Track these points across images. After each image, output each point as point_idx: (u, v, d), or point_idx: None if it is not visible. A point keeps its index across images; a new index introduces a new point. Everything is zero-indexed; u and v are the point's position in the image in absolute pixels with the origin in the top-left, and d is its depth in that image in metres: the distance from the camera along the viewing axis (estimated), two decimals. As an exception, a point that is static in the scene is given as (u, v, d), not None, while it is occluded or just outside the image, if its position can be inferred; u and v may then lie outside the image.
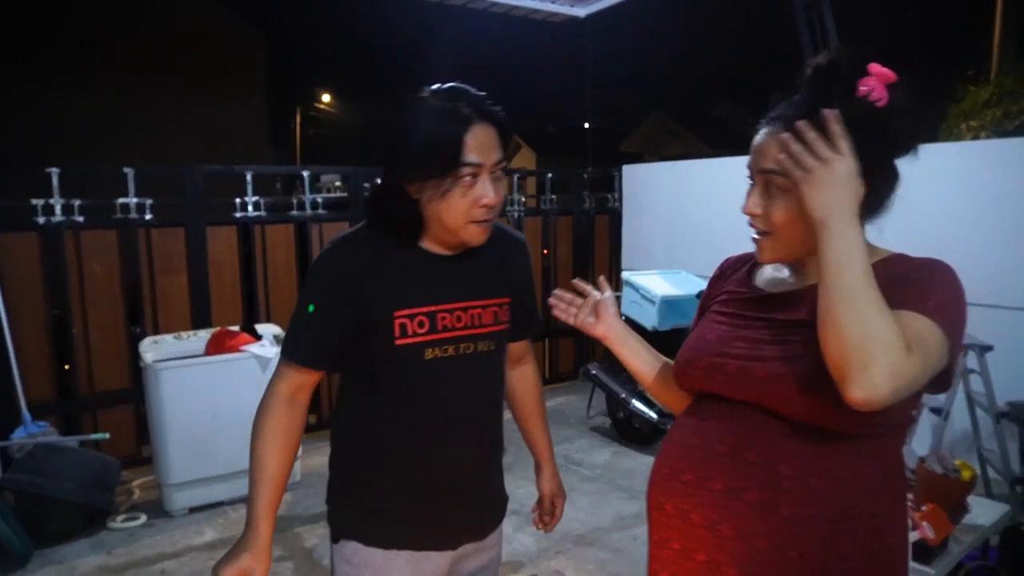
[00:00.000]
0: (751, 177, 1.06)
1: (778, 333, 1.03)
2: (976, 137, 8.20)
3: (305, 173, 4.68)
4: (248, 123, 15.66)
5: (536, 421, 1.58)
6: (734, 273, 1.22)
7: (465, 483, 1.34)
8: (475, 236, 1.24)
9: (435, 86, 1.22)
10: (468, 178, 1.18)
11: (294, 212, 4.59)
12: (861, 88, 0.95)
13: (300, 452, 3.69)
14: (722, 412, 1.05)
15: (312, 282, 1.29)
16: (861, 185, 0.93)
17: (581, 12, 5.80)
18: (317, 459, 4.12)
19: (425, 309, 1.25)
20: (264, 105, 17.02)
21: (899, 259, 1.02)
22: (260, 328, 3.81)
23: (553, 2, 5.63)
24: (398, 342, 1.24)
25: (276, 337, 3.66)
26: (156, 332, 3.97)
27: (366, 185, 4.77)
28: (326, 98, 25.76)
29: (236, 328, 3.72)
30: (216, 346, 3.51)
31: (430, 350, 1.26)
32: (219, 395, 3.39)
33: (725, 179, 4.58)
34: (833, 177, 0.90)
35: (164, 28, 13.94)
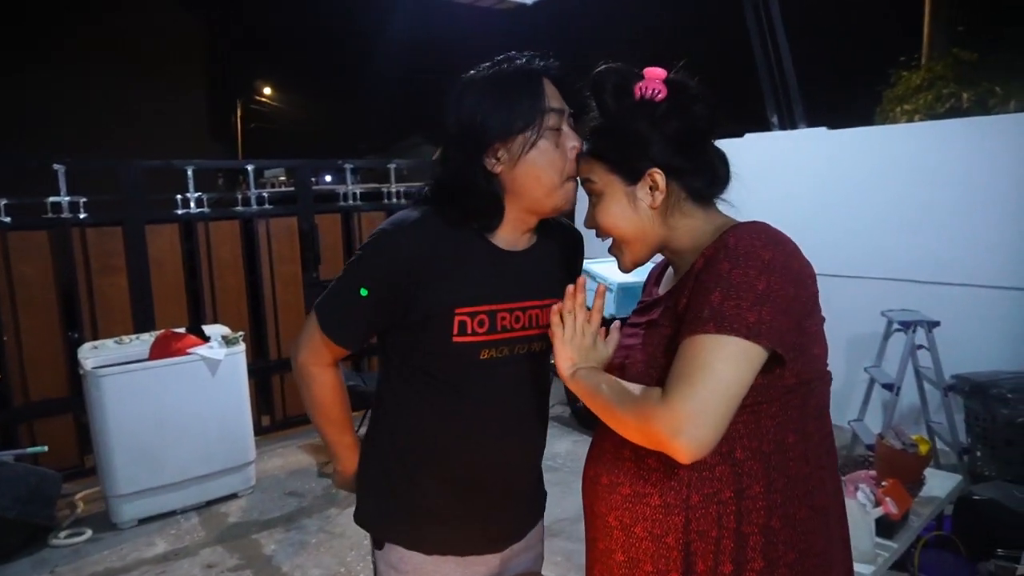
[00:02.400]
0: None
1: (631, 339, 1.08)
2: (911, 120, 8.49)
3: (250, 167, 4.52)
4: (187, 117, 15.15)
5: None
6: (651, 281, 1.23)
7: (513, 483, 1.30)
8: (568, 196, 1.17)
9: (485, 64, 1.19)
10: (554, 126, 1.14)
11: (239, 208, 4.43)
12: (636, 91, 1.02)
13: (254, 456, 3.59)
14: (602, 432, 1.09)
15: (368, 262, 1.20)
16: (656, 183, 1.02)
17: (528, -1, 5.73)
18: (273, 462, 4.00)
19: (487, 308, 1.19)
20: (203, 98, 16.48)
21: (718, 244, 0.97)
22: (207, 329, 3.66)
23: (500, -11, 5.54)
24: (455, 339, 1.18)
25: (224, 338, 3.52)
26: (95, 337, 3.78)
27: (313, 179, 4.64)
28: (268, 91, 25.11)
29: (182, 330, 3.56)
30: (161, 349, 3.36)
31: (486, 351, 1.20)
32: (166, 401, 3.24)
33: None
34: (576, 343, 1.08)
35: (95, 14, 13.30)
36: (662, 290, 1.13)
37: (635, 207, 1.04)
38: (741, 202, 1.11)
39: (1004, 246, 3.43)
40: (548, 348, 1.27)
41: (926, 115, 8.44)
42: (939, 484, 2.36)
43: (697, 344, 0.88)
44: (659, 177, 1.02)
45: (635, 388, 0.95)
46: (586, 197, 1.13)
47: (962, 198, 3.59)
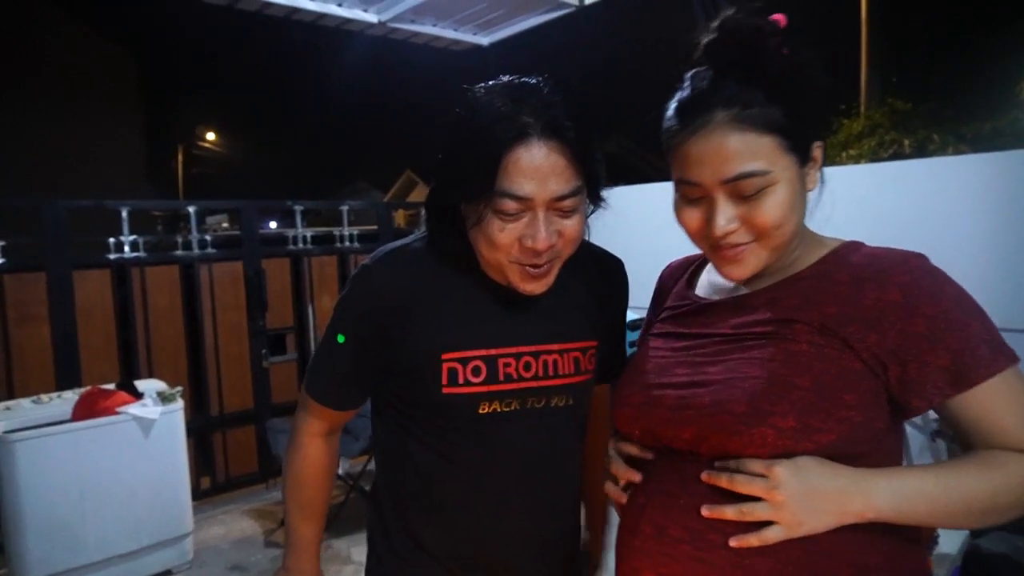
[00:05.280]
0: (694, 191, 0.85)
1: (723, 349, 0.85)
2: (856, 164, 8.77)
3: (191, 208, 4.22)
4: (123, 160, 14.56)
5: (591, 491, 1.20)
6: (675, 284, 1.03)
7: (528, 566, 1.05)
8: (521, 282, 0.95)
9: (507, 78, 0.94)
10: (510, 211, 0.89)
11: (179, 252, 4.11)
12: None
13: (192, 526, 3.22)
14: (669, 473, 0.84)
15: (346, 303, 1.03)
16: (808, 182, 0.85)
17: (485, 40, 5.67)
18: (213, 530, 3.62)
19: (482, 352, 0.97)
20: (141, 141, 15.91)
21: (874, 264, 0.82)
22: (140, 385, 3.30)
23: (456, 30, 5.47)
24: (445, 390, 0.97)
25: (160, 394, 3.17)
26: (10, 395, 3.37)
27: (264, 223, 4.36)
28: (211, 136, 24.62)
29: (111, 386, 3.21)
30: (86, 409, 2.99)
31: (486, 403, 0.98)
32: (90, 468, 2.87)
33: (631, 208, 4.53)
34: (804, 486, 0.73)
35: (23, 47, 12.71)
36: (715, 294, 0.94)
37: (803, 194, 0.85)
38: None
39: (976, 286, 3.40)
40: (575, 403, 1.05)
41: (870, 160, 8.71)
42: (949, 540, 2.22)
43: (1010, 382, 0.76)
44: (820, 151, 0.85)
45: (981, 468, 0.75)
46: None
47: (930, 238, 3.56)
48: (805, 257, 0.88)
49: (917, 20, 12.78)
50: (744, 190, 0.81)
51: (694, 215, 0.86)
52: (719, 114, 0.80)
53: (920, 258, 0.82)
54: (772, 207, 0.81)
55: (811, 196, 0.88)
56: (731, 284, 0.92)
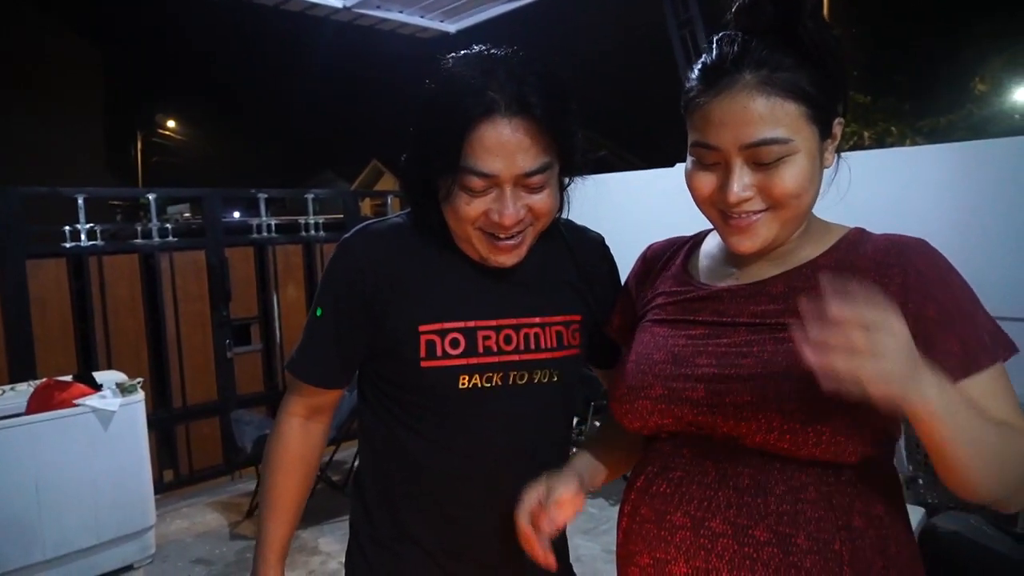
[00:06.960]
0: (710, 155, 0.82)
1: (751, 340, 0.82)
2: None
3: (151, 196, 4.12)
4: (81, 149, 14.16)
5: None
6: (665, 268, 0.99)
7: (513, 556, 1.00)
8: (489, 253, 0.94)
9: (478, 48, 0.93)
10: (476, 188, 0.89)
11: (139, 240, 4.01)
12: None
13: (154, 519, 3.16)
14: (700, 462, 0.82)
15: (327, 278, 1.02)
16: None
17: (452, 28, 5.63)
18: (177, 524, 3.56)
19: (460, 324, 0.96)
20: (99, 129, 15.49)
21: (876, 248, 0.83)
22: (99, 376, 3.23)
23: (422, 16, 5.42)
24: (424, 364, 0.95)
25: (119, 385, 3.10)
26: (-39, 389, 3.26)
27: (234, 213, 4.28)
28: (172, 124, 24.05)
29: (68, 378, 3.12)
30: (41, 401, 2.90)
31: (466, 377, 0.96)
32: (46, 462, 2.79)
33: (601, 197, 4.56)
34: (909, 343, 0.64)
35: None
36: (717, 280, 0.91)
37: (821, 169, 0.83)
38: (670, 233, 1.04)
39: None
40: (561, 379, 1.03)
41: (831, 153, 8.96)
42: (906, 518, 2.28)
43: (1002, 370, 0.77)
44: (840, 129, 0.84)
45: (998, 424, 0.71)
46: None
47: (888, 225, 3.64)
48: (815, 244, 0.86)
49: (877, 17, 13.04)
50: (763, 157, 0.78)
51: (707, 180, 0.83)
52: (747, 76, 0.78)
53: (929, 244, 0.82)
54: (790, 177, 0.78)
55: (825, 175, 0.86)
56: (732, 270, 0.90)
